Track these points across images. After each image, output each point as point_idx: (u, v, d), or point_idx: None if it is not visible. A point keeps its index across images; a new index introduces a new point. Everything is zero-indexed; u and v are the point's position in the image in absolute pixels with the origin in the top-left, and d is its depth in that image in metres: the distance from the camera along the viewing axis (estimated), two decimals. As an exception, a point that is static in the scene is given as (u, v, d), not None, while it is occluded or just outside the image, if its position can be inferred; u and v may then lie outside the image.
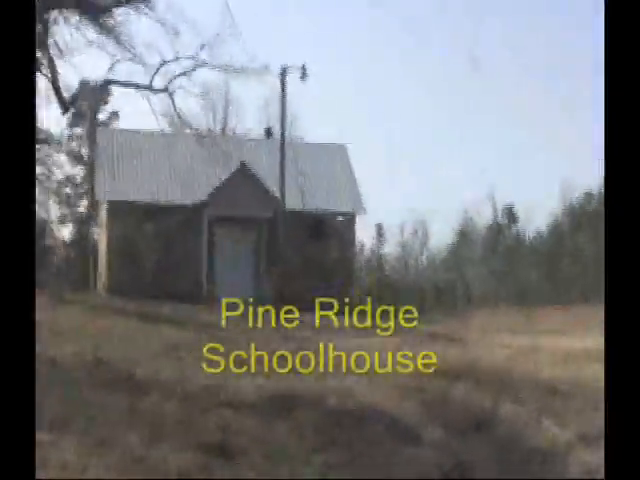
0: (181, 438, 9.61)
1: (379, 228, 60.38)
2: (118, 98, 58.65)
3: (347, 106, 75.54)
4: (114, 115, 57.78)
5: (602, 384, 15.21)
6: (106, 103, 60.69)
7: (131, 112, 79.12)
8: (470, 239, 61.94)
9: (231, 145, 37.65)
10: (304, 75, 29.36)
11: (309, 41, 75.49)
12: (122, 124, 52.00)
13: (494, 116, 75.67)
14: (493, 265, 56.99)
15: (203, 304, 32.43)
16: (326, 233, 36.37)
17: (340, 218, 36.69)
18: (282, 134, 30.06)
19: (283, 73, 29.23)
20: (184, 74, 24.73)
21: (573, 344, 21.81)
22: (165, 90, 24.65)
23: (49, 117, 50.31)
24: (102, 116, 56.89)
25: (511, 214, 59.92)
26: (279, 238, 35.26)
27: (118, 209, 34.97)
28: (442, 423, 11.89)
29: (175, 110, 25.23)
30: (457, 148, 75.66)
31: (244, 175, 34.06)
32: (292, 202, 36.07)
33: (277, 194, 35.14)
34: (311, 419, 10.94)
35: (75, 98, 57.98)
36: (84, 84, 57.62)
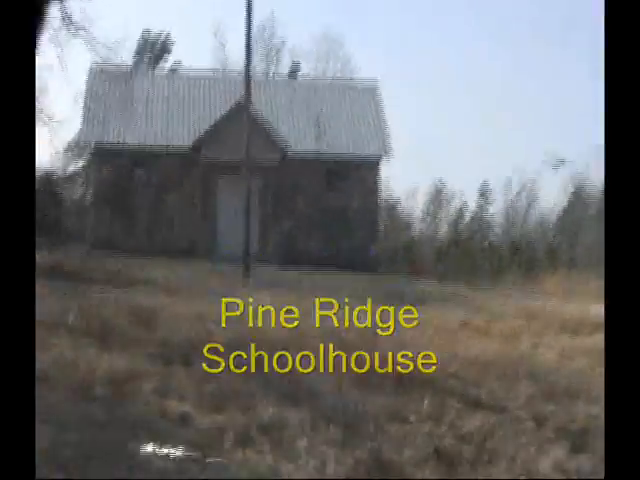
0: None
1: (483, 187, 54.29)
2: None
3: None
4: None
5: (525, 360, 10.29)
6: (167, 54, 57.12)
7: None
8: (583, 201, 55.97)
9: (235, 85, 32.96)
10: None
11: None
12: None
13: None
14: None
15: (203, 261, 28.08)
16: (344, 181, 31.08)
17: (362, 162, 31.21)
18: (247, 63, 24.41)
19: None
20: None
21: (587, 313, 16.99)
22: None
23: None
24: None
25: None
26: (288, 187, 30.34)
27: (105, 154, 30.74)
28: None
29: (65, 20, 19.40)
30: (560, 100, 68.07)
31: (242, 114, 29.01)
32: (306, 145, 31.09)
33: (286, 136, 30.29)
34: None
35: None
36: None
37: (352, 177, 31.03)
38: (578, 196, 55.65)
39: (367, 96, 33.00)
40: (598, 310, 18.92)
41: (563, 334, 13.75)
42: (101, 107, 31.16)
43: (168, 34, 57.24)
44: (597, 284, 31.27)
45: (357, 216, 31.00)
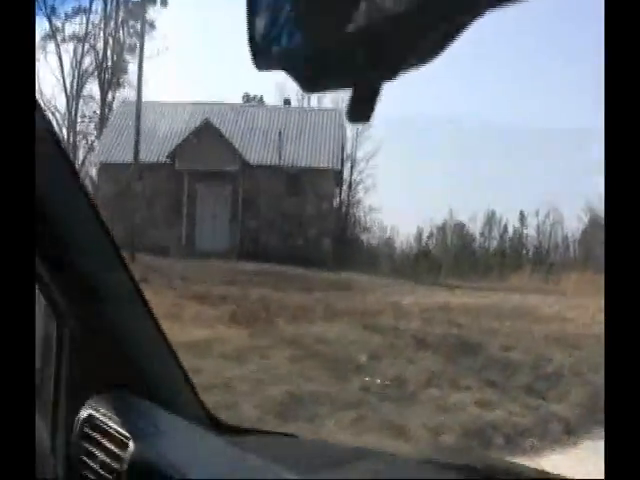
0: None
1: (521, 214, 62.30)
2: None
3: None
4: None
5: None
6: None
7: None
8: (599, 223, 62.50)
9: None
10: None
11: None
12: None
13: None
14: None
15: (180, 256, 34.26)
16: (302, 188, 37.00)
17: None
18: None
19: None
20: None
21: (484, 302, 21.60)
22: None
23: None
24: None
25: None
26: (253, 192, 36.51)
27: (108, 169, 37.80)
28: None
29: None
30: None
31: (208, 132, 35.67)
32: (268, 158, 37.28)
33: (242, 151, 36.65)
34: None
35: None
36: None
37: (308, 185, 36.93)
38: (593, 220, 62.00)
39: (329, 119, 39.04)
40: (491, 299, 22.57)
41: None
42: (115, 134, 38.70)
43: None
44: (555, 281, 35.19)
45: (313, 218, 36.79)
